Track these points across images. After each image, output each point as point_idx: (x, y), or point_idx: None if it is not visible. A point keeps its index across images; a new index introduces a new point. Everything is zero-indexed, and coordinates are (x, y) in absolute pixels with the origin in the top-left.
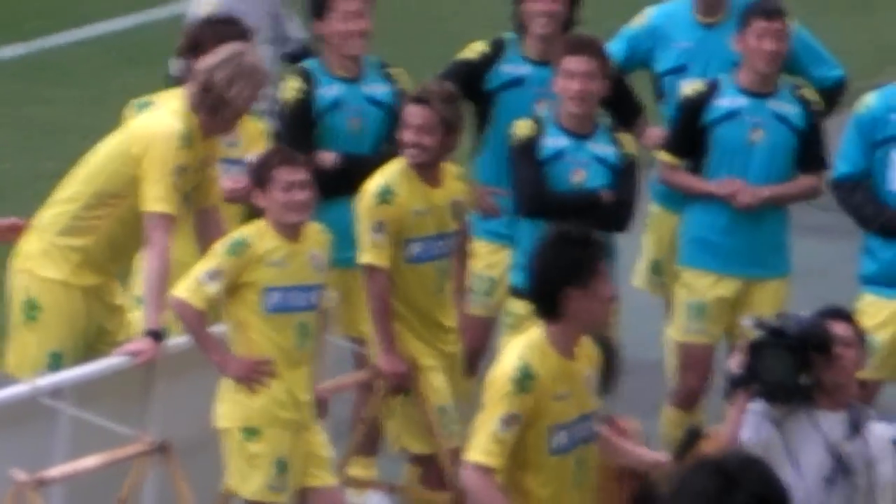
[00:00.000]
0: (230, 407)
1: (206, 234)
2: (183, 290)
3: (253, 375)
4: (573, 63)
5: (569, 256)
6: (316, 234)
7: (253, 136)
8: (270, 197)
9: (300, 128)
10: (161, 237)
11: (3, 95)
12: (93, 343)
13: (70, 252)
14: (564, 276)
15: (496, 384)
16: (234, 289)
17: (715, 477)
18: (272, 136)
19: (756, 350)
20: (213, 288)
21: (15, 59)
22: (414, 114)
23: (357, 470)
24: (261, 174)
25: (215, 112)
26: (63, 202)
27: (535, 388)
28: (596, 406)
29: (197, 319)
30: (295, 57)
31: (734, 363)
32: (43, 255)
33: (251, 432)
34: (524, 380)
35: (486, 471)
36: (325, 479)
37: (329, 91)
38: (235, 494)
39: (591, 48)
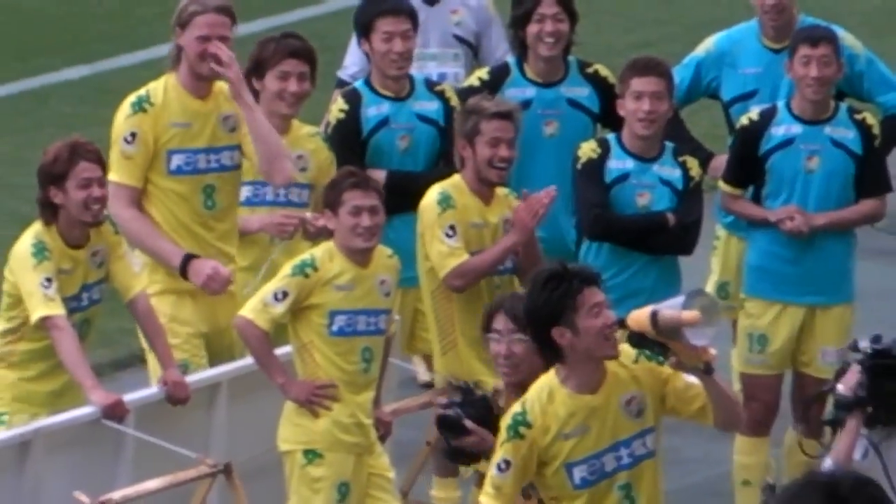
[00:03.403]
0: (293, 430)
1: None
2: (248, 310)
3: (315, 399)
4: (642, 84)
5: (545, 297)
6: (385, 259)
7: (322, 163)
8: (339, 220)
9: (346, 147)
10: (119, 209)
11: (68, 117)
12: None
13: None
14: (546, 317)
15: (500, 430)
16: (300, 311)
17: (825, 500)
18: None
19: (877, 373)
20: (279, 309)
21: (79, 81)
22: (505, 128)
23: (439, 492)
24: (331, 196)
25: None
26: None
27: (530, 435)
28: (639, 428)
29: (260, 340)
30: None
31: (844, 387)
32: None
33: (313, 456)
34: (517, 427)
35: None
36: (387, 501)
37: (376, 110)
38: None
39: (659, 69)
